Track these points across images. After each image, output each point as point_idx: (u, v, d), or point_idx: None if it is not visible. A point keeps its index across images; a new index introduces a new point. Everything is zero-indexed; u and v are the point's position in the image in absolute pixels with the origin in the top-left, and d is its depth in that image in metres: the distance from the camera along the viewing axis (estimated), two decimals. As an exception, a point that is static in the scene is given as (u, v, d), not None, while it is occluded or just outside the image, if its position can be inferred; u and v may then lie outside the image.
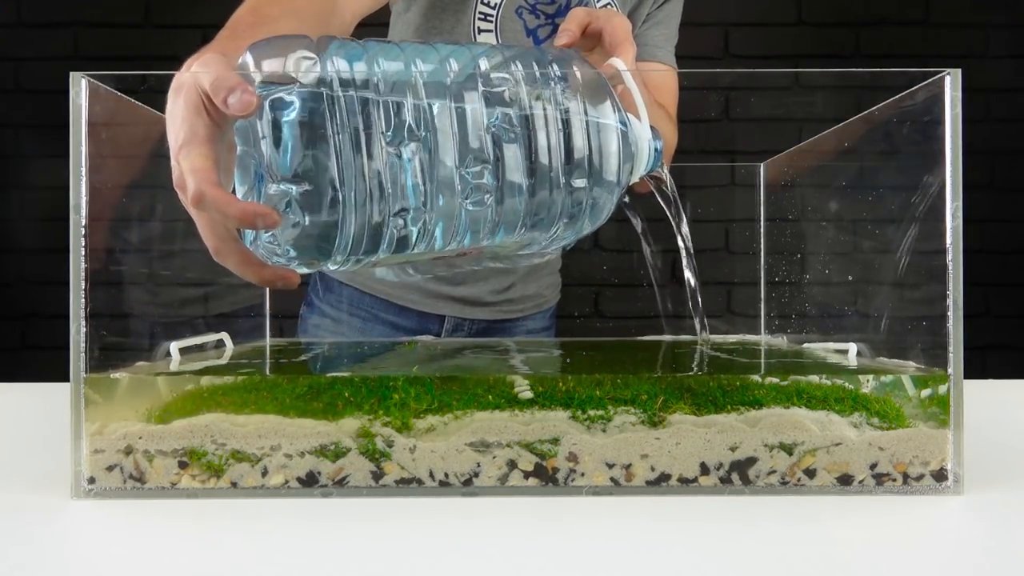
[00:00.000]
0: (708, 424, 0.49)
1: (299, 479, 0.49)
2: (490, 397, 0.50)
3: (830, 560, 0.38)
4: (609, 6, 0.93)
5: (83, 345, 0.49)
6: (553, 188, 0.50)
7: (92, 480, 0.49)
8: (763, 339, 0.84)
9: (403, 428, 0.49)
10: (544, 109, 0.49)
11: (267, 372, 0.58)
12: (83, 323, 0.48)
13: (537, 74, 0.50)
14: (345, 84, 0.45)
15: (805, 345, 0.74)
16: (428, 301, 1.03)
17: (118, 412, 0.50)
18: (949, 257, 0.48)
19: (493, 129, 0.48)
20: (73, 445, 0.49)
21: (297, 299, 1.11)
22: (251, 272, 0.49)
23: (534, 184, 0.49)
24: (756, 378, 0.52)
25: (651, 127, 0.54)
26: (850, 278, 0.70)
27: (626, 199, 0.59)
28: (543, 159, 0.49)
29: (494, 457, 0.49)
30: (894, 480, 0.49)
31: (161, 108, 0.47)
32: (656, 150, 0.54)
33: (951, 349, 0.49)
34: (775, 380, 0.52)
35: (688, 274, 0.66)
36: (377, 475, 0.49)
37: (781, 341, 0.81)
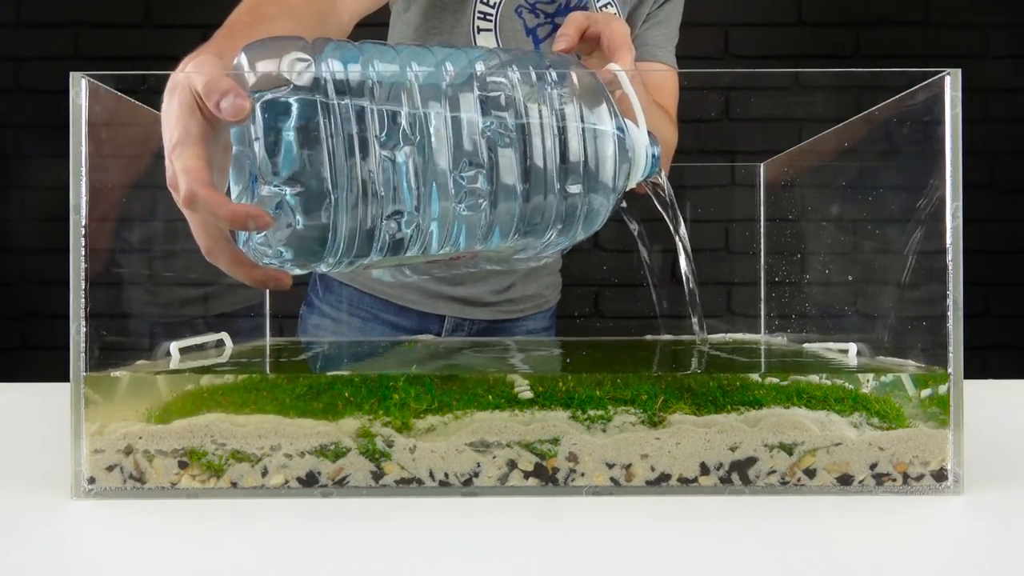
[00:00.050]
0: (708, 424, 0.49)
1: (299, 479, 0.49)
2: (490, 397, 0.50)
3: (830, 560, 0.38)
4: (609, 6, 0.93)
5: (83, 345, 0.49)
6: (548, 193, 0.50)
7: (92, 480, 0.49)
8: (761, 338, 0.84)
9: (403, 428, 0.49)
10: (540, 114, 0.49)
11: (267, 371, 0.58)
12: (83, 323, 0.48)
13: (534, 79, 0.50)
14: (339, 86, 0.45)
15: (805, 345, 0.74)
16: (428, 301, 1.03)
17: (118, 412, 0.50)
18: (949, 257, 0.48)
19: (488, 133, 0.48)
20: (73, 445, 0.49)
21: (297, 299, 1.11)
22: (243, 272, 0.49)
23: (529, 189, 0.49)
24: (756, 378, 0.52)
25: (649, 133, 0.54)
26: (850, 278, 0.70)
27: (623, 204, 0.59)
28: (538, 165, 0.49)
29: (494, 457, 0.49)
30: (894, 480, 0.49)
31: (161, 108, 0.47)
32: (653, 156, 0.54)
33: (951, 349, 0.49)
34: (775, 380, 0.52)
35: (687, 277, 0.66)
36: (377, 475, 0.49)
37: (778, 340, 0.81)
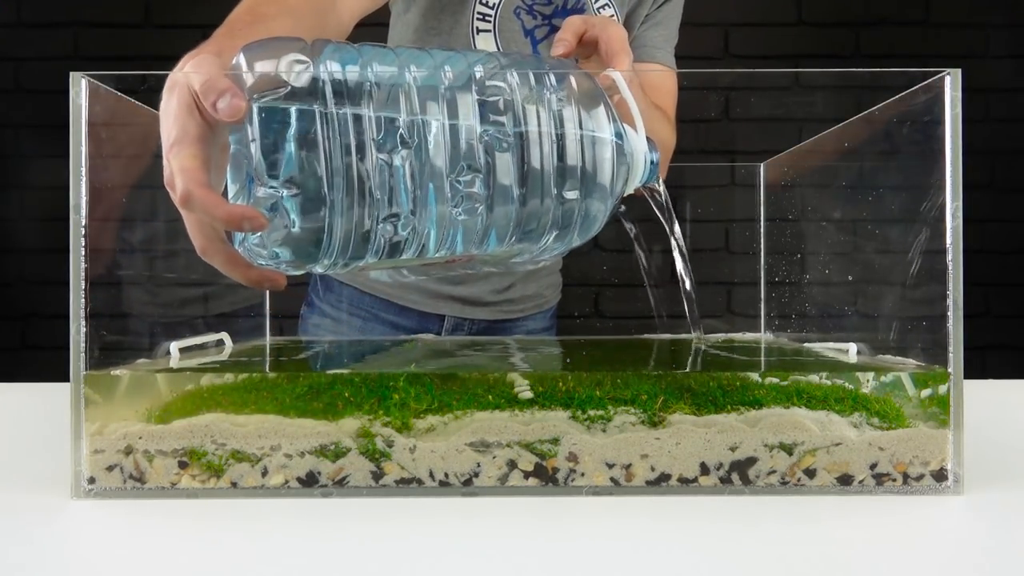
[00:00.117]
0: (708, 424, 0.49)
1: (299, 479, 0.49)
2: (490, 397, 0.50)
3: (830, 560, 0.38)
4: (607, 7, 0.93)
5: (83, 345, 0.49)
6: (545, 198, 0.50)
7: (92, 480, 0.49)
8: (763, 337, 0.84)
9: (403, 428, 0.49)
10: (538, 119, 0.49)
11: (267, 370, 0.58)
12: (83, 323, 0.48)
13: (532, 84, 0.50)
14: (337, 88, 0.45)
15: (805, 345, 0.74)
16: (428, 301, 1.03)
17: (118, 412, 0.50)
18: (949, 257, 0.48)
19: (486, 138, 0.48)
20: (73, 445, 0.49)
21: (297, 299, 1.11)
22: (238, 272, 0.49)
23: (525, 194, 0.49)
24: (756, 378, 0.52)
25: (648, 139, 0.54)
26: (850, 278, 0.70)
27: (622, 208, 0.59)
28: (535, 170, 0.49)
29: (494, 457, 0.49)
30: (894, 480, 0.49)
31: (160, 107, 0.47)
32: (652, 163, 0.54)
33: (951, 349, 0.49)
34: (775, 380, 0.52)
35: (683, 279, 0.66)
36: (377, 475, 0.49)
37: (773, 338, 0.81)
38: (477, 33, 0.91)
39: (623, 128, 0.52)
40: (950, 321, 0.49)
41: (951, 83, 0.48)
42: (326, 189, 0.44)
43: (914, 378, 0.51)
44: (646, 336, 0.83)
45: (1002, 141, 2.01)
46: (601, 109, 0.51)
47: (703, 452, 0.49)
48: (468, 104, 0.48)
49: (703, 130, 1.92)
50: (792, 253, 0.81)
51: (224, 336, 0.70)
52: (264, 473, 0.49)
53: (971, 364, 0.49)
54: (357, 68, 0.46)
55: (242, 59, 0.46)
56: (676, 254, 0.66)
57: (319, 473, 0.49)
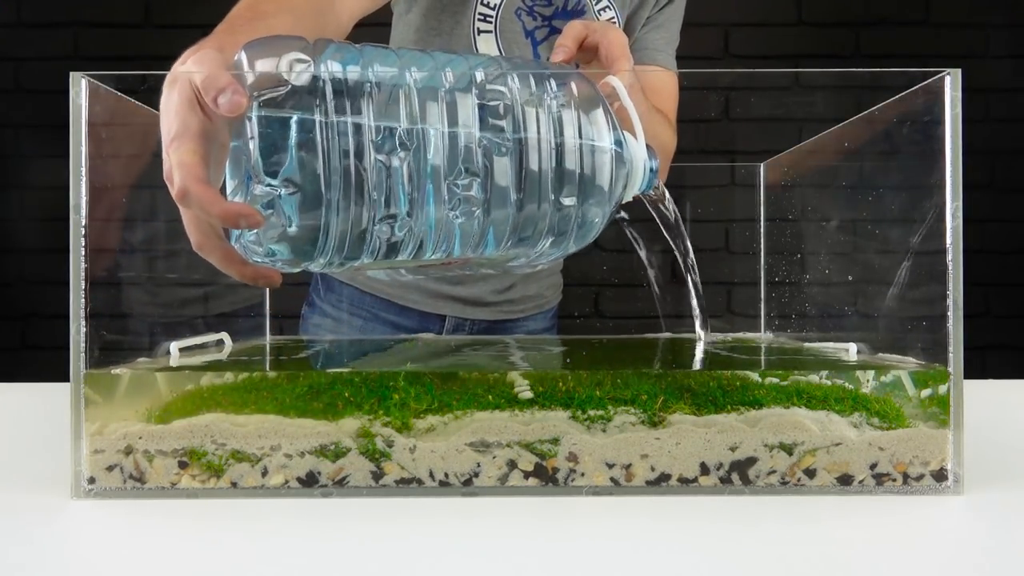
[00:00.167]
0: (708, 424, 0.49)
1: (299, 479, 0.49)
2: (490, 397, 0.50)
3: (830, 560, 0.38)
4: (608, 9, 0.93)
5: (83, 345, 0.49)
6: (542, 204, 0.50)
7: (92, 480, 0.49)
8: (760, 337, 0.84)
9: (403, 428, 0.49)
10: (538, 125, 0.49)
11: (267, 369, 0.58)
12: (83, 323, 0.48)
13: (533, 89, 0.50)
14: (338, 88, 0.45)
15: (805, 345, 0.74)
16: (429, 301, 1.03)
17: (118, 412, 0.50)
18: (949, 257, 0.48)
19: (485, 142, 0.48)
20: (73, 445, 0.49)
21: (297, 299, 1.11)
22: (234, 269, 0.49)
23: (523, 199, 0.49)
24: (756, 378, 0.52)
25: (648, 146, 0.54)
26: (850, 278, 0.70)
27: (625, 216, 0.59)
28: (533, 175, 0.49)
29: (494, 457, 0.49)
30: (894, 480, 0.49)
31: (160, 104, 0.47)
32: (651, 170, 0.54)
33: (951, 349, 0.49)
34: (775, 380, 0.52)
35: (692, 291, 0.66)
36: (377, 475, 0.49)
37: (773, 338, 0.81)
38: (478, 34, 0.91)
39: (623, 135, 0.52)
40: (950, 321, 0.49)
41: (951, 83, 0.48)
42: (324, 188, 0.44)
43: (914, 378, 0.51)
44: (647, 335, 0.83)
45: (1002, 141, 2.01)
46: (601, 116, 0.51)
47: (703, 452, 0.49)
48: (468, 107, 0.48)
49: (703, 130, 1.92)
50: (792, 253, 0.81)
51: (224, 336, 0.70)
52: (264, 473, 0.49)
53: (971, 364, 0.49)
54: (358, 68, 0.46)
55: (244, 57, 0.46)
56: (685, 271, 0.66)
57: (319, 473, 0.49)
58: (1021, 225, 2.03)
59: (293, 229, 0.45)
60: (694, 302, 0.68)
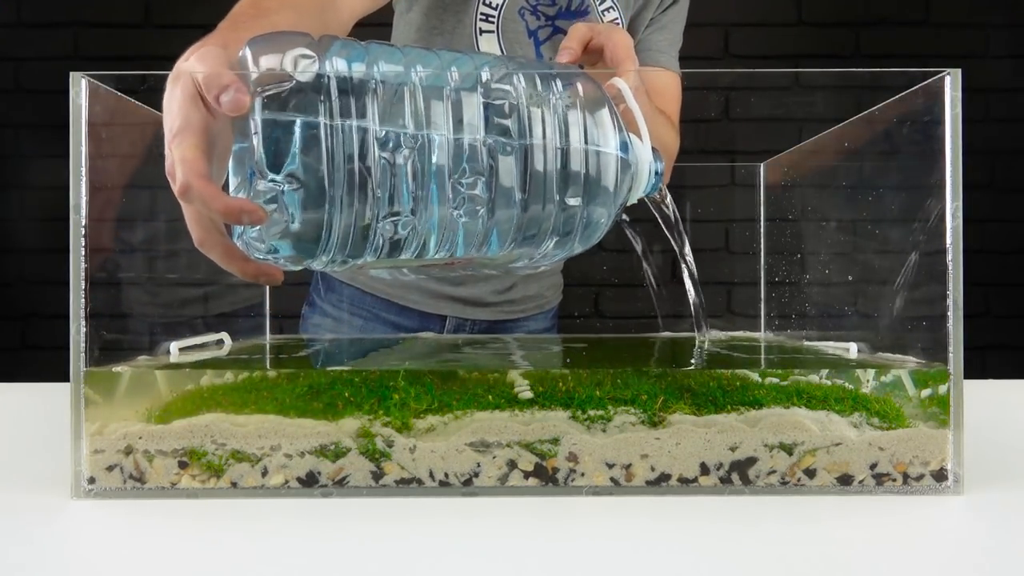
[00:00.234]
0: (708, 424, 0.49)
1: (299, 479, 0.49)
2: (490, 397, 0.50)
3: (830, 560, 0.38)
4: (611, 10, 0.93)
5: (83, 345, 0.49)
6: (546, 204, 0.50)
7: (92, 480, 0.49)
8: (761, 336, 0.84)
9: (403, 428, 0.49)
10: (543, 125, 0.49)
11: (267, 368, 0.58)
12: (83, 323, 0.48)
13: (539, 89, 0.50)
14: (342, 86, 0.45)
15: (805, 343, 0.74)
16: (429, 301, 1.03)
17: (118, 412, 0.50)
18: (949, 257, 0.48)
19: (490, 141, 0.48)
20: (73, 445, 0.49)
21: (298, 299, 1.11)
22: (235, 266, 0.49)
23: (527, 199, 0.49)
24: (756, 378, 0.52)
25: (653, 149, 0.54)
26: (850, 278, 0.70)
27: (626, 218, 0.58)
28: (538, 175, 0.49)
29: (494, 457, 0.49)
30: (894, 480, 0.49)
31: (161, 108, 0.47)
32: (656, 173, 0.54)
33: (951, 349, 0.49)
34: (775, 380, 0.52)
35: (691, 294, 0.66)
36: (377, 475, 0.49)
37: (773, 337, 0.81)
38: (480, 33, 0.91)
39: (629, 137, 0.52)
40: (950, 321, 0.49)
41: (951, 83, 0.48)
42: (327, 185, 0.44)
43: (914, 377, 0.51)
44: (647, 335, 0.83)
45: (1002, 141, 2.01)
46: (607, 117, 0.51)
47: (703, 452, 0.49)
48: (473, 106, 0.48)
49: (703, 130, 1.92)
50: (792, 253, 0.81)
51: (224, 336, 0.70)
52: (264, 473, 0.49)
53: (971, 364, 0.49)
54: (363, 65, 0.46)
55: (248, 52, 0.46)
56: (686, 274, 0.66)
57: (319, 473, 0.49)
58: (1021, 225, 2.03)
59: (296, 226, 0.45)
60: (692, 301, 0.68)
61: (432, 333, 1.03)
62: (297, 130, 0.44)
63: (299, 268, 0.50)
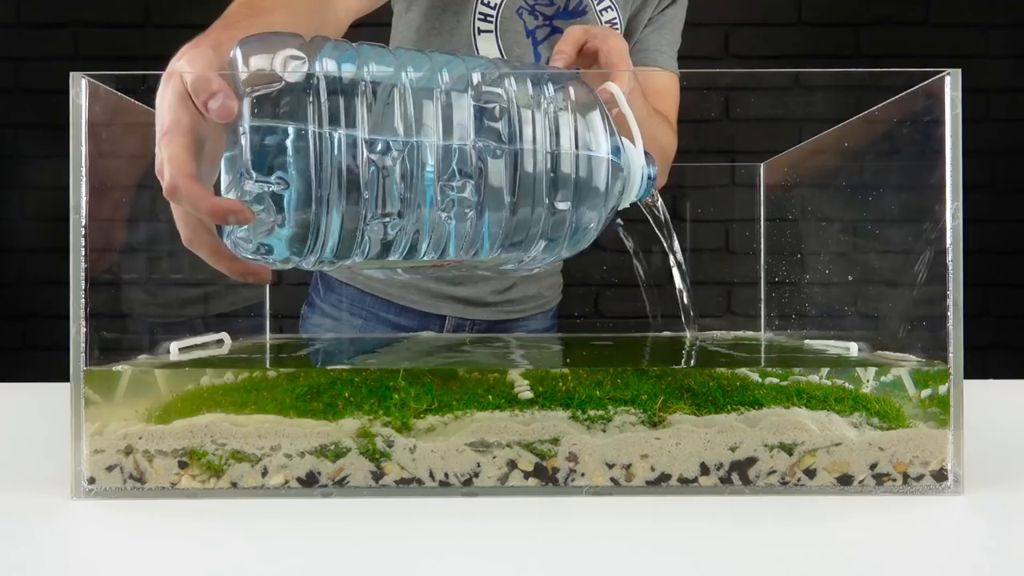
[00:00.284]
0: (708, 424, 0.49)
1: (299, 479, 0.49)
2: (490, 397, 0.50)
3: (830, 560, 0.38)
4: (609, 9, 0.93)
5: (83, 345, 0.49)
6: (536, 207, 0.49)
7: (92, 480, 0.49)
8: (760, 336, 0.84)
9: (403, 428, 0.49)
10: (534, 128, 0.49)
11: (267, 366, 0.58)
12: (83, 323, 0.48)
13: (531, 92, 0.50)
14: (332, 87, 0.45)
15: (806, 341, 0.74)
16: (429, 301, 1.03)
17: (118, 412, 0.50)
18: (949, 257, 0.48)
19: (480, 144, 0.48)
20: (73, 445, 0.49)
21: (298, 299, 1.11)
22: (223, 264, 0.49)
23: (516, 202, 0.49)
24: (756, 378, 0.52)
25: (646, 153, 0.54)
26: (850, 278, 0.70)
27: (620, 222, 0.58)
28: (527, 178, 0.49)
29: (494, 457, 0.49)
30: (894, 480, 0.49)
31: None
32: (649, 178, 0.53)
33: (951, 349, 0.49)
34: (775, 380, 0.52)
35: (682, 292, 0.67)
36: (377, 475, 0.49)
37: (773, 336, 0.81)
38: (479, 34, 0.91)
39: (621, 141, 0.52)
40: (950, 321, 0.49)
41: (951, 83, 0.48)
42: (315, 186, 0.44)
43: (914, 377, 0.51)
44: (646, 335, 0.83)
45: (1002, 141, 2.01)
46: (599, 120, 0.51)
47: (703, 452, 0.49)
48: (464, 108, 0.48)
49: (703, 130, 1.92)
50: (792, 253, 0.81)
51: (224, 336, 0.70)
52: (264, 473, 0.49)
53: (971, 364, 0.49)
54: (353, 67, 0.46)
55: (238, 52, 0.46)
56: (675, 271, 0.66)
57: (319, 473, 0.49)
58: (1021, 225, 2.03)
59: (284, 226, 0.45)
60: (684, 301, 0.68)
61: (432, 333, 1.03)
62: (285, 132, 0.44)
63: (288, 268, 0.49)
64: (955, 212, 0.48)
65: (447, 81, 0.48)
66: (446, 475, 0.49)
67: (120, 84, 0.52)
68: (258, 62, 0.45)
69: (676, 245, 0.65)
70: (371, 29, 0.79)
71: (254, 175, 0.44)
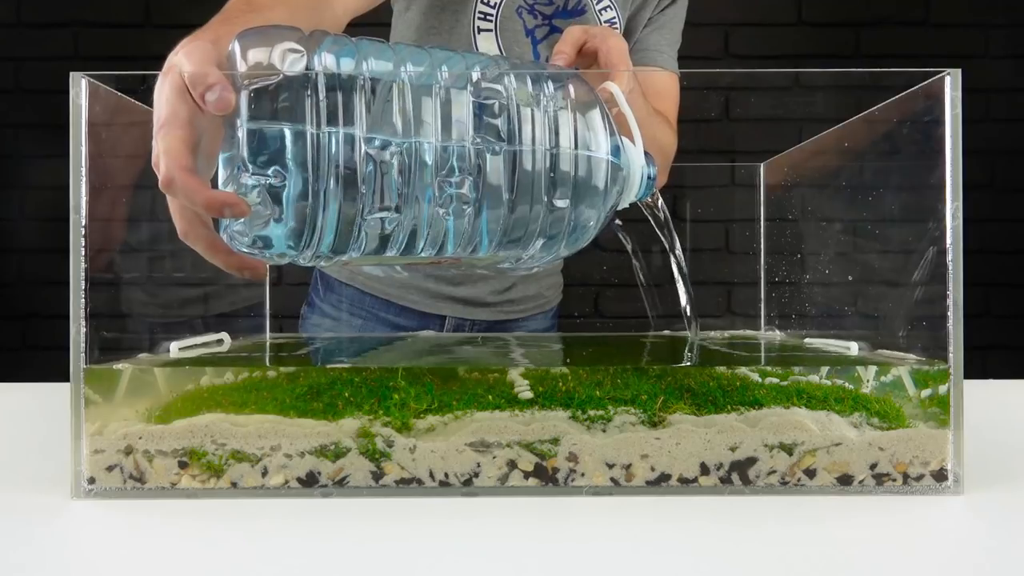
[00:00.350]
0: (708, 424, 0.49)
1: (299, 479, 0.49)
2: (490, 397, 0.50)
3: (830, 560, 0.38)
4: (609, 9, 0.93)
5: (83, 345, 0.49)
6: (534, 205, 0.49)
7: (92, 480, 0.49)
8: (760, 335, 0.84)
9: (403, 428, 0.49)
10: (533, 126, 0.49)
11: (266, 364, 0.58)
12: (83, 323, 0.48)
13: (530, 90, 0.50)
14: (330, 81, 0.45)
15: (807, 340, 0.74)
16: (429, 301, 1.03)
17: (118, 412, 0.50)
18: (949, 257, 0.48)
19: (478, 140, 0.48)
20: (73, 445, 0.49)
21: (298, 299, 1.11)
22: (219, 258, 0.49)
23: (515, 199, 0.49)
24: (756, 377, 0.52)
25: (646, 153, 0.53)
26: (850, 278, 0.70)
27: (619, 222, 0.58)
28: (526, 175, 0.49)
29: (494, 457, 0.49)
30: (894, 480, 0.49)
31: None
32: (649, 178, 0.53)
33: (951, 349, 0.49)
34: (775, 380, 0.52)
35: (683, 296, 0.67)
36: (377, 475, 0.49)
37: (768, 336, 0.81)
38: (478, 32, 0.91)
39: (621, 141, 0.52)
40: (950, 321, 0.49)
41: (951, 83, 0.48)
42: (312, 180, 0.44)
43: (914, 377, 0.51)
44: (646, 335, 0.83)
45: (1002, 141, 2.01)
46: (598, 119, 0.51)
47: (703, 452, 0.49)
48: (463, 105, 0.48)
49: (703, 130, 1.92)
50: (792, 253, 0.81)
51: (224, 336, 0.70)
52: (264, 473, 0.49)
53: (971, 364, 0.49)
54: (352, 61, 0.46)
55: (237, 46, 0.46)
56: (676, 273, 0.66)
57: (319, 473, 0.49)
58: (1021, 225, 2.03)
59: (280, 220, 0.45)
60: (683, 301, 0.68)
61: (432, 332, 1.03)
62: (283, 125, 0.44)
63: (284, 263, 0.49)
64: (955, 212, 0.48)
65: (447, 77, 0.48)
66: (446, 475, 0.49)
67: (120, 84, 0.52)
68: (256, 55, 0.45)
69: (677, 245, 0.65)
70: (370, 28, 0.79)
71: (251, 168, 0.44)
